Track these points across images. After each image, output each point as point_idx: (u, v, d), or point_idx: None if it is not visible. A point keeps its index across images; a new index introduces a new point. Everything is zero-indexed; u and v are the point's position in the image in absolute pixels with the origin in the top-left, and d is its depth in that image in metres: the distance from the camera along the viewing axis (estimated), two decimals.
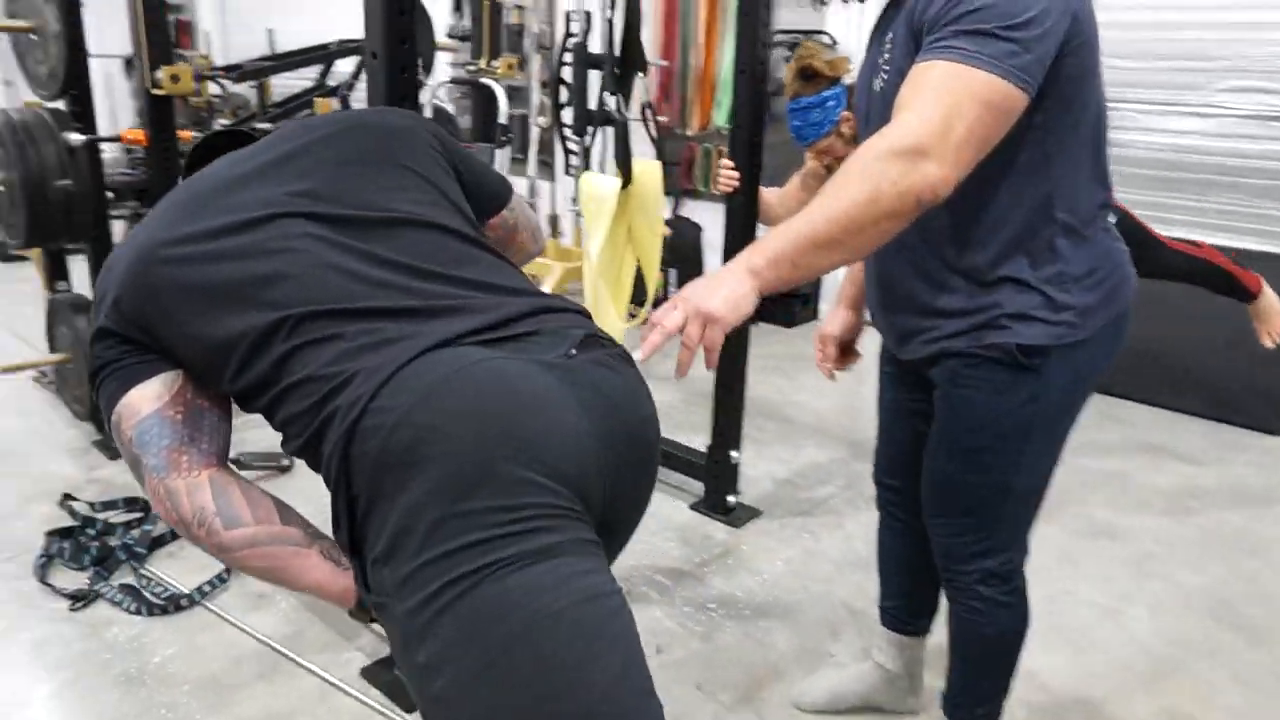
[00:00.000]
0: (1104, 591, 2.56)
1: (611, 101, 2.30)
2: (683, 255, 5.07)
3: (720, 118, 5.33)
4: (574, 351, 1.09)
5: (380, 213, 1.16)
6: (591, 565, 0.98)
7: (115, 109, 8.80)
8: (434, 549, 0.93)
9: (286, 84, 6.77)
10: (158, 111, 2.50)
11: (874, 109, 1.42)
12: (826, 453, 3.43)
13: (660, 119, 5.62)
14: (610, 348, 1.16)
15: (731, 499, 2.90)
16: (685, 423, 3.58)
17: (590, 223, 2.28)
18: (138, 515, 2.73)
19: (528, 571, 0.92)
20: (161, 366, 1.13)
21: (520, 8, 6.17)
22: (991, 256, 1.37)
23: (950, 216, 1.35)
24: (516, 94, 6.50)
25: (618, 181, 2.27)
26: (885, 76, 1.39)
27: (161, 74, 2.36)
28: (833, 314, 1.86)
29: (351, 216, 1.14)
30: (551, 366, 1.05)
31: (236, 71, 6.16)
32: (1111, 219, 1.45)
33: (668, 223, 5.27)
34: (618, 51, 2.42)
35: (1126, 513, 3.05)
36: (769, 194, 2.51)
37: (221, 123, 6.26)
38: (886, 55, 1.39)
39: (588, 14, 5.36)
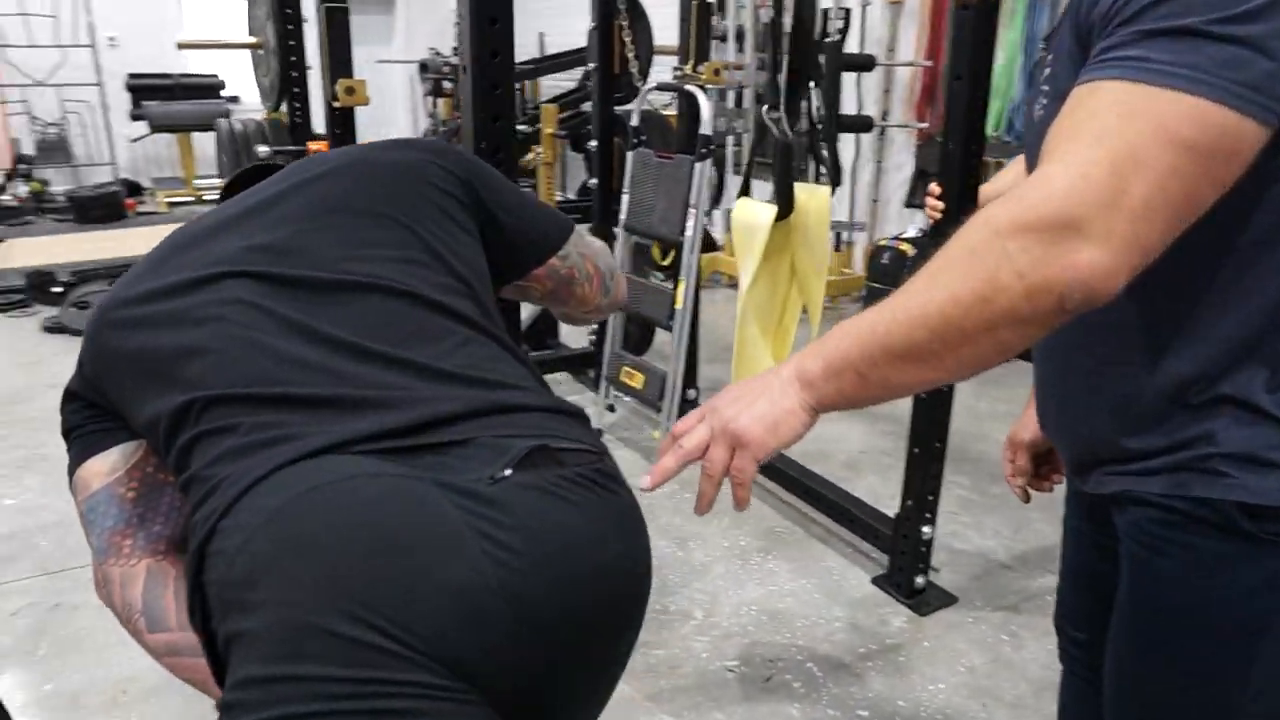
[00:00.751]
0: None
1: (771, 117, 1.98)
2: None
3: (989, 124, 4.72)
4: (507, 472, 0.83)
5: (335, 275, 0.97)
6: None
7: (416, 108, 9.54)
8: (253, 713, 0.73)
9: (557, 84, 6.97)
10: (339, 123, 2.52)
11: (1033, 146, 1.00)
12: (1060, 531, 2.86)
13: (921, 125, 5.11)
14: (575, 465, 0.88)
15: (921, 580, 2.46)
16: (895, 466, 3.14)
17: (741, 255, 1.97)
18: None
19: None
20: (123, 435, 1.03)
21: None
22: (1204, 365, 0.90)
23: (1140, 303, 0.90)
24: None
25: (772, 210, 1.94)
26: (1044, 102, 0.98)
27: (339, 87, 2.36)
28: (1026, 413, 1.42)
29: (301, 279, 0.96)
30: (461, 492, 0.80)
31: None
32: None
33: (913, 241, 4.79)
34: (785, 57, 2.09)
35: None
36: (989, 189, 1.99)
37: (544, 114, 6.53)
38: (1048, 71, 0.98)
39: (847, 12, 4.97)
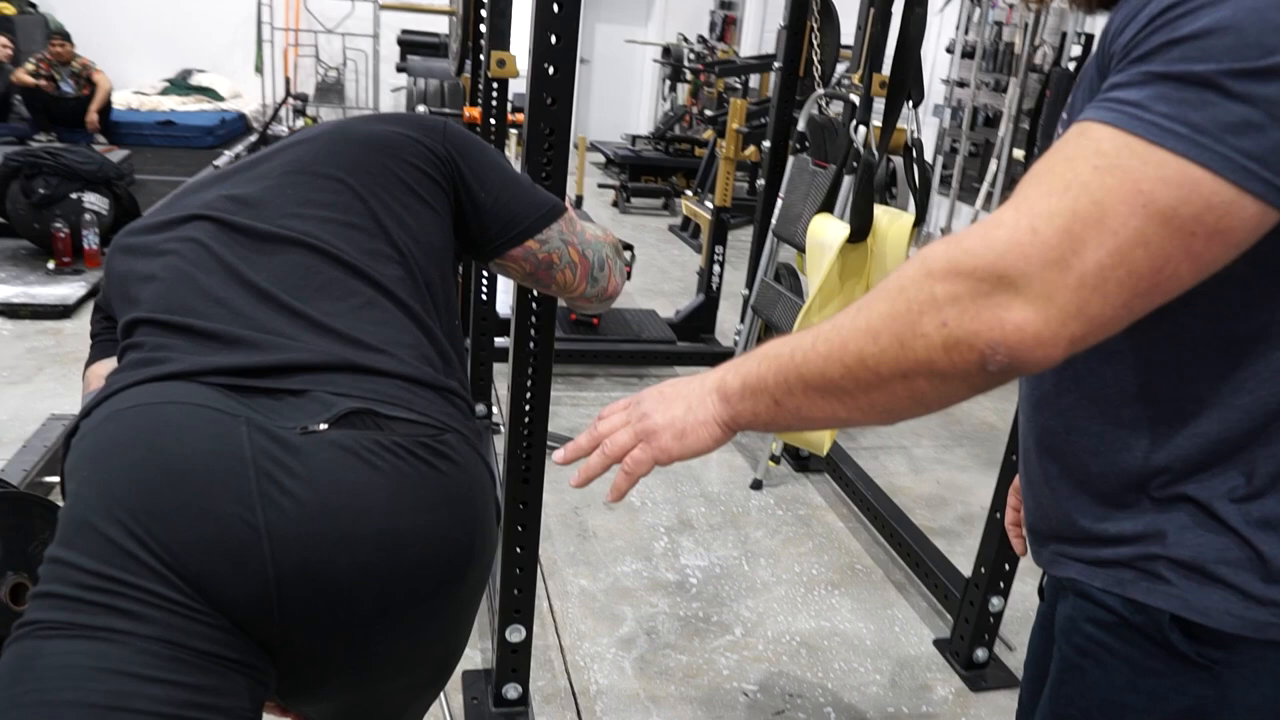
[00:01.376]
0: None
1: (860, 135, 1.85)
2: None
3: None
4: (321, 426, 0.87)
5: (273, 227, 1.05)
6: (164, 673, 0.78)
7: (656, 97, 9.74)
8: (38, 585, 0.83)
9: None
10: (493, 92, 2.64)
11: None
12: None
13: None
14: (399, 434, 0.90)
15: (982, 653, 2.28)
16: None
17: (810, 273, 1.88)
18: None
19: (68, 644, 0.78)
20: None
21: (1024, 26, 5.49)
22: (1173, 457, 0.80)
23: (1120, 375, 0.82)
24: (995, 118, 5.84)
25: (843, 230, 1.84)
26: (1059, 133, 0.90)
27: (493, 58, 2.48)
28: None
29: (249, 228, 1.06)
30: (270, 436, 0.85)
31: (718, 67, 6.45)
32: None
33: None
34: (884, 72, 1.95)
35: None
36: None
37: (703, 115, 6.57)
38: (1070, 100, 0.89)
39: (1089, 38, 4.57)
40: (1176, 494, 0.79)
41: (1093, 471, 0.85)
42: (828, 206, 2.05)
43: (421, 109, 2.87)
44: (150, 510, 0.80)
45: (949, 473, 3.38)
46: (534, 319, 1.71)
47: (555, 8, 1.52)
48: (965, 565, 2.49)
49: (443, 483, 0.91)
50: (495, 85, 2.69)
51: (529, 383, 1.78)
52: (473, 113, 2.76)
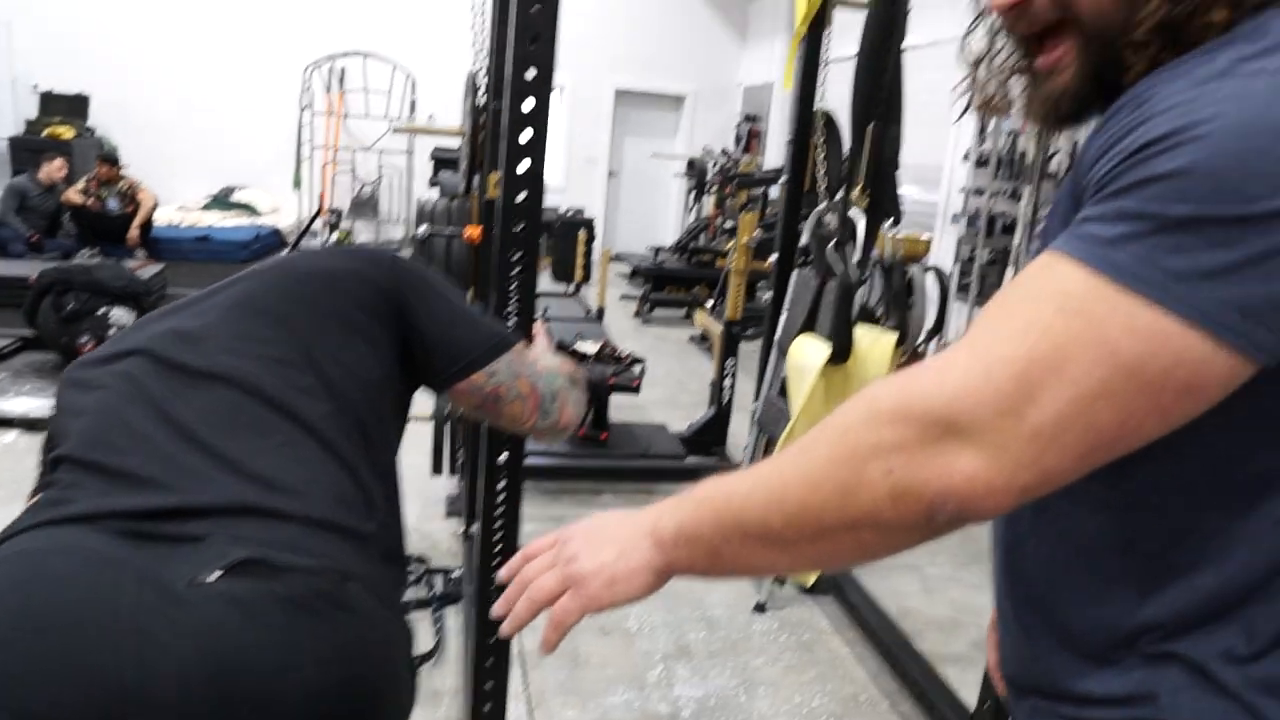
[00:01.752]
0: None
1: (835, 254, 1.84)
2: None
3: None
4: (211, 578, 0.83)
5: (205, 364, 1.05)
6: None
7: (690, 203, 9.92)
8: None
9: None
10: (489, 212, 2.70)
11: None
12: None
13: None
14: (291, 583, 0.86)
15: None
16: None
17: (792, 397, 1.85)
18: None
19: None
20: None
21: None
22: (1164, 613, 0.73)
23: (1103, 522, 0.75)
24: (1012, 226, 5.85)
25: (824, 351, 1.80)
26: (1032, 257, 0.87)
27: (490, 179, 2.54)
28: None
29: (182, 364, 1.06)
30: (156, 587, 0.82)
31: (734, 181, 6.58)
32: None
33: None
34: (859, 191, 1.95)
35: None
36: None
37: (724, 227, 6.65)
38: (1042, 225, 0.86)
39: None
40: (1167, 652, 0.72)
41: (1075, 627, 0.78)
42: (809, 326, 2.02)
43: (423, 228, 2.92)
44: (13, 670, 0.76)
45: (964, 593, 3.24)
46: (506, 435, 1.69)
47: (526, 135, 1.56)
48: (975, 696, 2.36)
49: (336, 636, 0.87)
50: (489, 205, 2.74)
51: (499, 503, 1.74)
52: (473, 232, 2.81)
